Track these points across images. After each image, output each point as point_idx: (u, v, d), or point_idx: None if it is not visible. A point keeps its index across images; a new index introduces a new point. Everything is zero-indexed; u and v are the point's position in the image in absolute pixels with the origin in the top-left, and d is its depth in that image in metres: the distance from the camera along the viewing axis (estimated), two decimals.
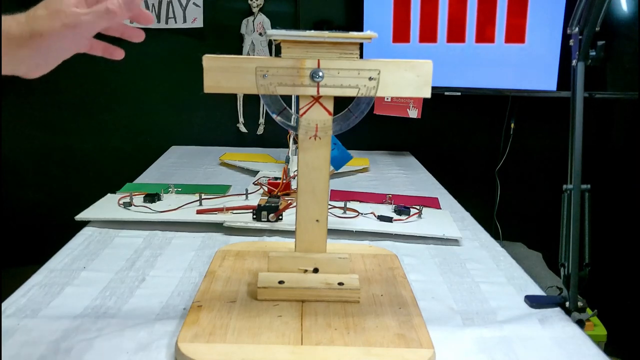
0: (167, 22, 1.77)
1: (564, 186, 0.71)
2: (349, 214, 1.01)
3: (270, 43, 1.79)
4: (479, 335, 0.62)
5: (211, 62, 0.59)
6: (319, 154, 0.64)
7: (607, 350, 1.36)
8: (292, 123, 0.65)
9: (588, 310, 0.68)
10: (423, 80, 0.61)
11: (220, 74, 0.59)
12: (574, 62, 0.71)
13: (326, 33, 0.59)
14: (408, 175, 1.47)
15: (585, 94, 0.70)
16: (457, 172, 1.78)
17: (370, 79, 0.61)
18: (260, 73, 0.60)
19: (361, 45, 0.62)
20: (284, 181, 1.11)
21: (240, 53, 1.77)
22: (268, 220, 0.95)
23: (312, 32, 0.60)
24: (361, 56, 0.62)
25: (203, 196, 1.04)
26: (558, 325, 0.66)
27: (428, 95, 0.62)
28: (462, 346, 0.60)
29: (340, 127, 0.64)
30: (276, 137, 1.78)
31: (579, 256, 0.69)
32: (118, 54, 0.60)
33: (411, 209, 1.03)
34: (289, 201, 0.99)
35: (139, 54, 1.84)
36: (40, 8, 0.50)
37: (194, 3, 1.76)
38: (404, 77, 0.61)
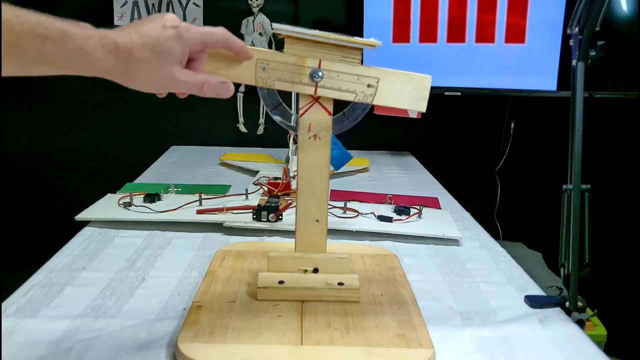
0: None
1: (564, 186, 0.71)
2: (349, 214, 1.01)
3: (270, 44, 1.79)
4: (478, 335, 0.62)
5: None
6: (319, 154, 0.64)
7: (607, 350, 1.36)
8: (292, 123, 0.65)
9: (588, 310, 0.68)
10: (420, 94, 0.61)
11: (221, 60, 0.59)
12: (574, 62, 0.71)
13: (331, 34, 0.59)
14: (408, 175, 1.47)
15: (585, 94, 0.70)
16: (457, 172, 1.78)
17: (368, 85, 0.61)
18: (261, 65, 0.60)
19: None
20: (284, 181, 1.11)
21: None
22: (268, 220, 0.95)
23: (317, 32, 0.59)
24: (362, 62, 0.61)
25: (203, 196, 1.04)
26: (558, 325, 0.66)
27: (423, 109, 0.62)
28: (462, 346, 0.60)
29: (333, 130, 0.64)
30: (276, 137, 1.78)
31: (579, 256, 0.69)
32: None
33: (411, 209, 1.03)
34: (289, 201, 0.99)
35: None
36: (138, 64, 0.47)
37: (194, 3, 1.76)
38: (402, 89, 0.61)
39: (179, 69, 0.50)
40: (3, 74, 0.41)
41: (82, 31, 0.44)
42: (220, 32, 0.54)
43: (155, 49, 0.48)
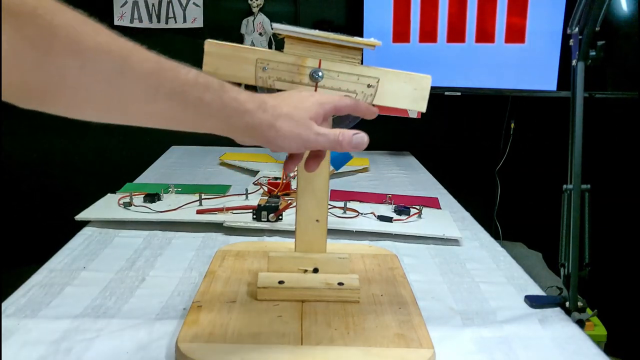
0: (167, 22, 1.77)
1: (564, 186, 0.71)
2: (349, 214, 1.01)
3: (270, 44, 1.79)
4: (478, 335, 0.62)
5: (213, 48, 0.59)
6: None
7: (607, 350, 1.36)
8: None
9: (588, 310, 0.68)
10: (420, 94, 0.61)
11: (220, 60, 0.59)
12: (574, 62, 0.71)
13: (331, 34, 0.59)
14: (408, 175, 1.47)
15: (585, 94, 0.70)
16: (457, 172, 1.78)
17: (368, 86, 0.61)
18: (261, 65, 0.60)
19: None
20: (284, 181, 1.11)
21: None
22: (268, 220, 0.95)
23: (317, 32, 0.59)
24: (362, 62, 0.62)
25: (203, 196, 1.04)
26: (558, 325, 0.66)
27: (423, 109, 0.62)
28: (462, 346, 0.60)
29: None
30: None
31: (579, 256, 0.69)
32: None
33: (411, 209, 1.03)
34: (289, 201, 0.99)
35: None
36: (283, 118, 0.49)
37: (194, 3, 1.76)
38: (402, 89, 0.61)
39: (316, 124, 0.52)
40: (158, 126, 0.44)
41: (234, 87, 0.48)
42: (348, 98, 0.58)
43: (297, 106, 0.52)
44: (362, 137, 0.54)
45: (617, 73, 1.61)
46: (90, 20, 0.37)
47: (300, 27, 0.59)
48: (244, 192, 1.08)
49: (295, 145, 0.51)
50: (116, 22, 1.74)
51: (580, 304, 0.68)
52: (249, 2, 1.76)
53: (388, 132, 1.82)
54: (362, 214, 1.01)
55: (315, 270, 0.66)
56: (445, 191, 1.29)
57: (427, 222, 0.99)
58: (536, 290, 0.76)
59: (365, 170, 1.48)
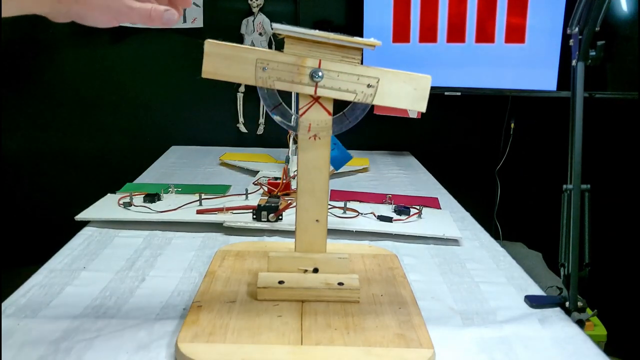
0: None
1: (564, 186, 0.71)
2: (349, 214, 1.01)
3: (270, 44, 1.79)
4: (478, 335, 0.62)
5: (212, 48, 0.59)
6: (319, 154, 0.64)
7: (607, 350, 1.36)
8: (292, 123, 0.65)
9: (588, 310, 0.68)
10: (420, 94, 0.61)
11: (220, 60, 0.59)
12: (574, 62, 0.71)
13: (331, 34, 0.59)
14: (408, 175, 1.47)
15: (585, 94, 0.70)
16: (457, 172, 1.78)
17: (368, 86, 0.61)
18: (260, 65, 0.60)
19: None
20: (284, 181, 1.11)
21: None
22: (268, 220, 0.95)
23: (317, 32, 0.59)
24: (362, 62, 0.61)
25: (203, 196, 1.04)
26: (558, 325, 0.66)
27: (423, 109, 0.61)
28: (462, 346, 0.60)
29: (333, 130, 0.64)
30: (276, 137, 1.78)
31: (579, 256, 0.69)
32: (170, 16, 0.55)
33: (411, 209, 1.03)
34: (289, 201, 0.99)
35: (139, 54, 1.85)
36: None
37: (194, 3, 1.76)
38: (402, 89, 0.61)
39: None
40: None
41: None
42: None
43: None
44: (173, 14, 0.53)
45: (617, 73, 1.61)
46: None
47: (300, 27, 0.59)
48: (244, 192, 1.08)
49: (108, 15, 0.50)
50: None
51: (580, 304, 0.68)
52: (249, 2, 1.76)
53: (388, 132, 1.82)
54: (362, 214, 1.01)
55: (315, 270, 0.66)
56: (445, 191, 1.29)
57: (427, 222, 0.99)
58: (536, 290, 0.76)
59: (365, 170, 1.48)
